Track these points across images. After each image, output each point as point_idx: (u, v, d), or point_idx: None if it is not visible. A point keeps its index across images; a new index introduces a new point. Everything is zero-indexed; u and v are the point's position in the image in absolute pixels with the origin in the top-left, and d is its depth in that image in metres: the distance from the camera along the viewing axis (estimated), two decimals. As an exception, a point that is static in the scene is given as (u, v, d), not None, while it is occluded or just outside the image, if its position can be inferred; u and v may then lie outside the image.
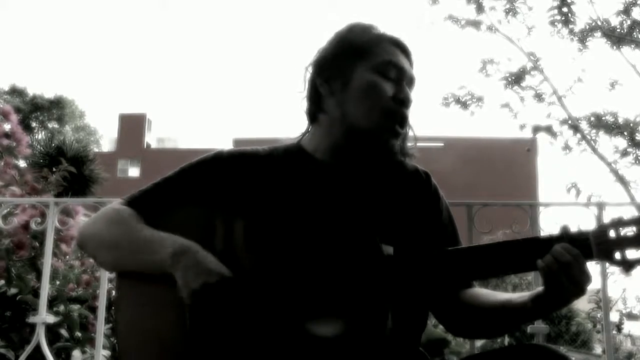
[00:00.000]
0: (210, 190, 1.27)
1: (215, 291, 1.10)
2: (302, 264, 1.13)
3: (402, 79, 1.28)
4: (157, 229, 1.21)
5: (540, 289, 1.12)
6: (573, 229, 1.10)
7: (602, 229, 1.09)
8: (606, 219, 1.12)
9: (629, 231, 1.08)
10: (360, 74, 1.26)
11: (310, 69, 1.32)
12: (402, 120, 1.27)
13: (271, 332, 1.11)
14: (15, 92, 29.65)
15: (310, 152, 1.31)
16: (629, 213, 1.10)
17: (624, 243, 1.08)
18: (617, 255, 1.08)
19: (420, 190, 1.34)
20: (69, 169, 3.36)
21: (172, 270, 1.13)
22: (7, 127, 3.29)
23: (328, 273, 1.11)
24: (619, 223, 1.09)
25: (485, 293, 1.27)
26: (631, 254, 1.08)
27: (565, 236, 1.09)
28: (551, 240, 1.09)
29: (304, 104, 1.34)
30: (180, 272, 1.12)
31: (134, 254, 1.20)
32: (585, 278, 1.08)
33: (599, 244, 1.08)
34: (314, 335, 1.09)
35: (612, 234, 1.09)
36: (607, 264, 1.10)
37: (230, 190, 1.26)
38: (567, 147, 8.23)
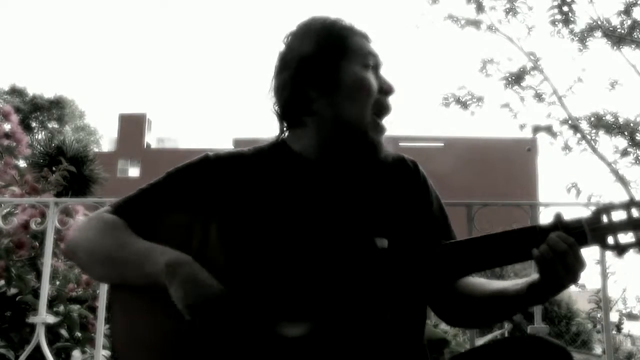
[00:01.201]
0: (199, 193, 1.25)
1: (210, 305, 1.09)
2: (298, 263, 1.12)
3: (378, 67, 1.29)
4: (147, 235, 1.19)
5: (535, 276, 1.13)
6: (566, 217, 1.12)
7: (595, 216, 1.11)
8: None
9: (620, 216, 1.11)
10: (346, 72, 1.25)
11: (289, 75, 1.26)
12: (388, 109, 1.28)
13: (267, 333, 1.10)
14: (15, 92, 29.65)
15: (297, 151, 1.29)
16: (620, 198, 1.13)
17: (616, 228, 1.10)
18: (610, 240, 1.11)
19: (409, 180, 1.33)
20: (69, 169, 3.35)
21: (166, 285, 1.12)
22: (7, 127, 3.29)
23: (324, 270, 1.11)
24: (610, 208, 1.11)
25: (480, 282, 1.28)
26: (623, 238, 1.10)
27: (559, 224, 1.11)
28: (546, 229, 1.11)
29: (280, 108, 1.29)
30: (175, 287, 1.11)
31: (124, 270, 1.18)
32: (579, 265, 1.10)
33: (593, 230, 1.10)
34: (311, 332, 1.09)
35: (604, 219, 1.11)
36: (609, 261, 1.13)
37: (220, 193, 1.24)
38: (567, 147, 8.22)
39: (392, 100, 1.29)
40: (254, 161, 1.30)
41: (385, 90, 1.27)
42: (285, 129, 1.31)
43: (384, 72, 1.31)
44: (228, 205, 1.23)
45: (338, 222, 1.20)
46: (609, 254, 1.79)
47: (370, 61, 1.27)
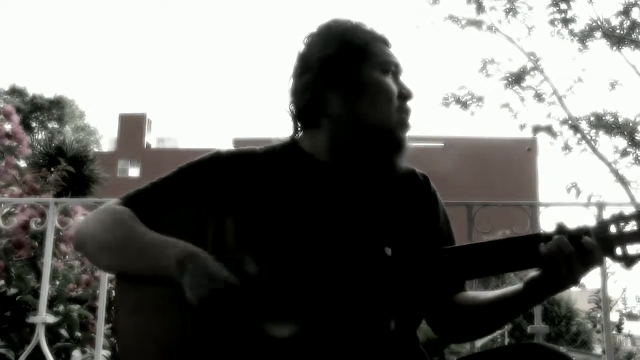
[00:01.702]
0: (209, 190, 1.25)
1: (222, 298, 1.09)
2: (304, 265, 1.12)
3: (398, 73, 1.30)
4: (156, 229, 1.19)
5: (534, 274, 1.13)
6: (572, 226, 1.11)
7: (602, 225, 1.10)
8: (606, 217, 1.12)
9: (629, 226, 1.09)
10: (367, 75, 1.25)
11: (311, 77, 1.26)
12: (409, 113, 1.29)
13: (265, 333, 1.10)
14: (15, 92, 29.64)
15: (309, 152, 1.30)
16: (629, 210, 1.11)
17: (624, 238, 1.08)
18: (618, 251, 1.09)
19: (419, 193, 1.33)
20: (68, 169, 3.36)
21: (177, 276, 1.11)
22: (8, 127, 3.29)
23: (330, 274, 1.11)
24: (619, 219, 1.09)
25: (478, 293, 1.29)
26: (632, 249, 1.08)
27: (565, 232, 1.09)
28: (551, 237, 1.10)
29: (297, 109, 1.29)
30: (187, 278, 1.10)
31: (136, 258, 1.18)
32: (583, 270, 1.09)
33: (600, 240, 1.08)
34: (317, 336, 1.09)
35: (612, 229, 1.09)
36: (609, 261, 1.11)
37: (230, 190, 1.25)
38: (567, 147, 8.23)
39: (411, 104, 1.30)
40: (264, 160, 1.30)
41: (405, 95, 1.28)
42: (299, 129, 1.32)
43: (403, 78, 1.31)
44: (237, 203, 1.23)
45: (344, 227, 1.20)
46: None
47: (390, 67, 1.28)
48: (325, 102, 1.26)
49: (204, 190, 1.25)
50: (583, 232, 1.09)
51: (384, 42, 1.31)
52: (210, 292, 1.09)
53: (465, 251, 1.15)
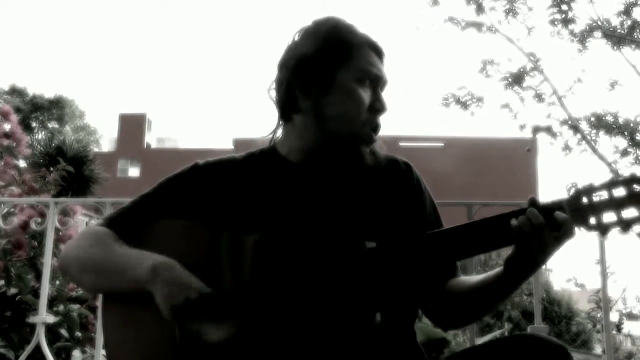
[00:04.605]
0: (190, 201, 1.27)
1: (195, 307, 1.10)
2: (286, 267, 1.12)
3: (378, 86, 1.28)
4: (140, 246, 1.20)
5: (511, 252, 1.13)
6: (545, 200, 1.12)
7: (575, 196, 1.10)
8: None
9: (601, 196, 1.10)
10: (341, 81, 1.24)
11: (285, 72, 1.27)
12: (376, 128, 1.27)
13: (261, 337, 1.10)
14: (15, 92, 29.63)
15: (284, 155, 1.30)
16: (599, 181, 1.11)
17: (598, 208, 1.09)
18: (592, 221, 1.10)
19: (401, 182, 1.32)
20: (68, 169, 3.36)
21: (150, 287, 1.13)
22: (7, 127, 3.30)
23: (313, 273, 1.11)
24: (590, 189, 1.10)
25: (469, 277, 1.29)
26: (606, 218, 1.09)
27: (537, 206, 1.10)
28: (524, 211, 1.11)
29: (274, 98, 1.30)
30: (159, 288, 1.12)
31: (113, 276, 1.19)
32: (553, 245, 1.09)
33: (574, 211, 1.09)
34: (303, 335, 1.09)
35: (585, 200, 1.10)
36: (609, 261, 1.11)
37: (210, 200, 1.26)
38: (567, 147, 8.22)
39: (381, 119, 1.28)
40: (243, 166, 1.31)
41: (377, 108, 1.26)
42: (280, 123, 1.32)
43: (386, 90, 1.29)
44: (217, 211, 1.24)
45: (325, 228, 1.20)
46: (608, 254, 1.78)
47: (368, 76, 1.25)
48: (296, 100, 1.26)
49: (184, 203, 1.27)
50: (555, 204, 1.10)
51: (374, 50, 1.28)
52: (181, 302, 1.09)
53: (439, 236, 1.15)
